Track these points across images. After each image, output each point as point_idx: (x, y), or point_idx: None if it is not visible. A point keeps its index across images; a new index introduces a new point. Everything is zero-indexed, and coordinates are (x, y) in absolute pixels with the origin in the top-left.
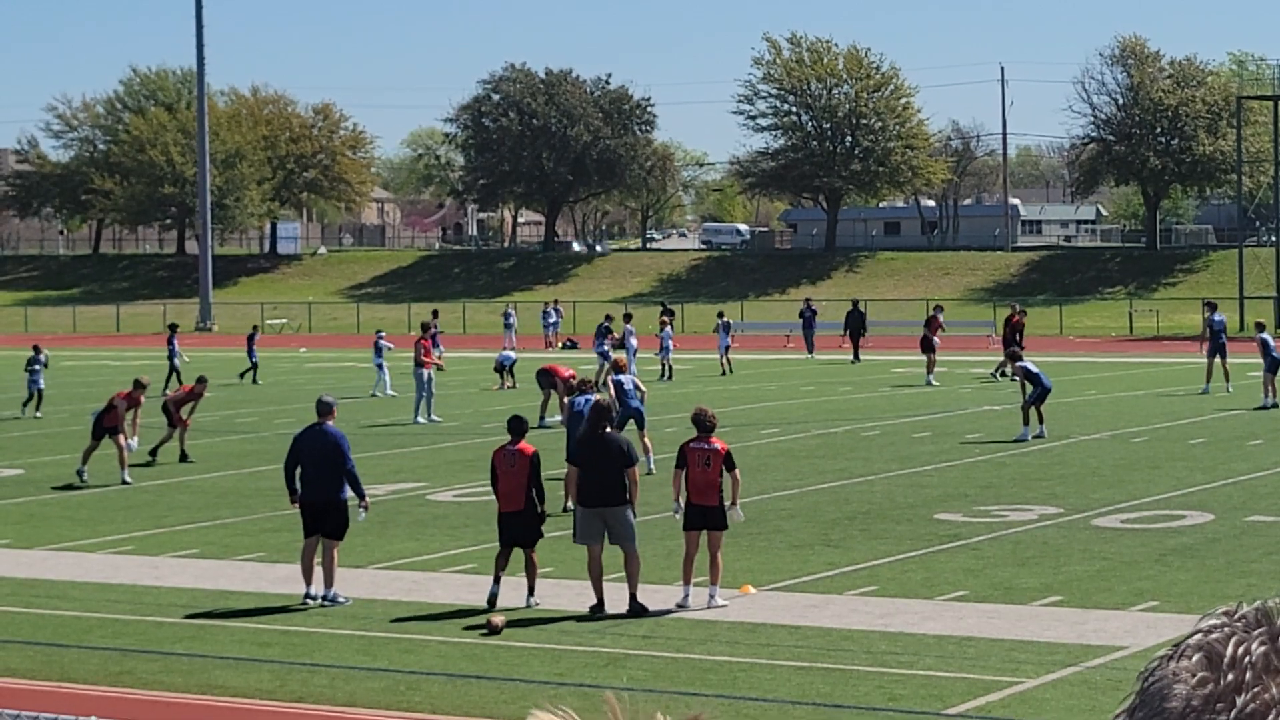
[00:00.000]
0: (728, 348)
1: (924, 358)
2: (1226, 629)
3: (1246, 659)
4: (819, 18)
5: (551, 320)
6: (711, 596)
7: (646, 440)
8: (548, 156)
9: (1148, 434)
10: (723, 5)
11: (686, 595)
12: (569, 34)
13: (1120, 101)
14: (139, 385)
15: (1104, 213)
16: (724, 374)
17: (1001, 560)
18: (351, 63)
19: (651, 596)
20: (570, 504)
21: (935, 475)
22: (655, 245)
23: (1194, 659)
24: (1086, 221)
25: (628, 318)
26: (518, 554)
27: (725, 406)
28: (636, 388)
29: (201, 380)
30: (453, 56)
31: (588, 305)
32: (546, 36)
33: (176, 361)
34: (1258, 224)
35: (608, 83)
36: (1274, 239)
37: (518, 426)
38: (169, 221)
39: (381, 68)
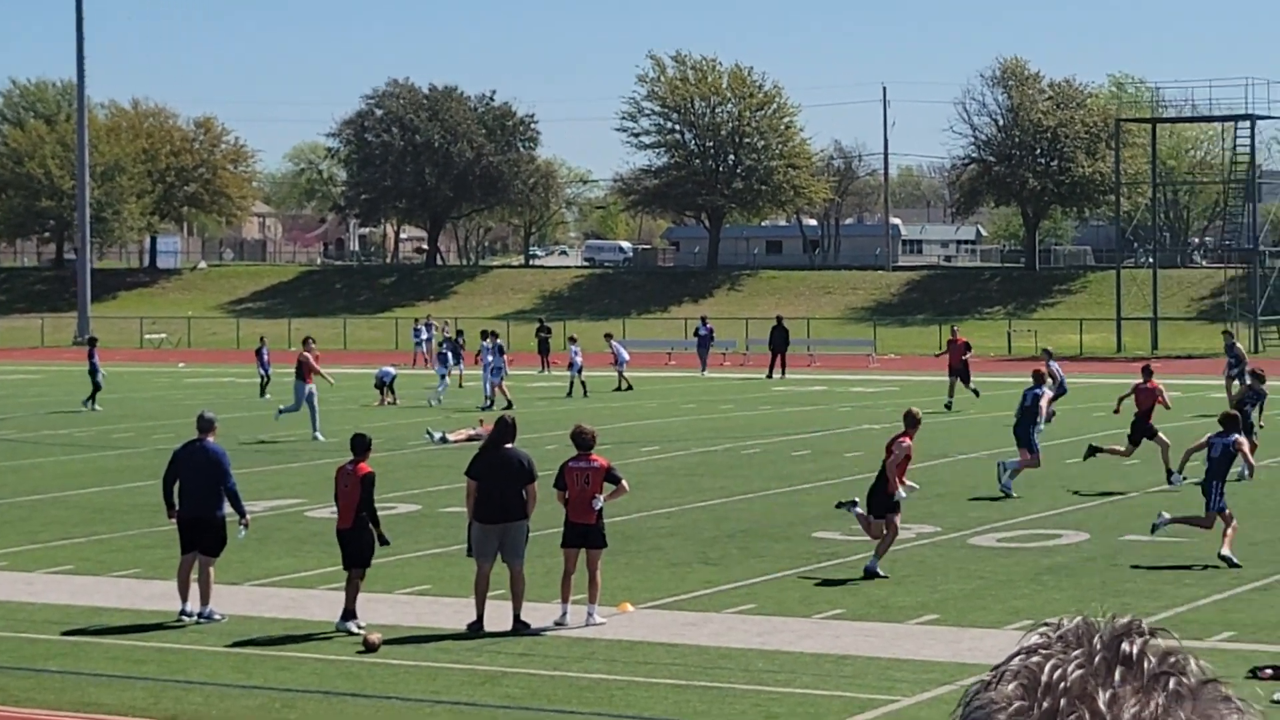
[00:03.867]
0: (625, 363)
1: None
2: (1044, 651)
3: (1062, 684)
4: (703, 36)
5: (424, 337)
6: (590, 614)
7: None
8: (430, 172)
9: None
10: (608, 23)
11: (565, 613)
12: (453, 51)
13: (1000, 122)
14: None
15: (984, 233)
16: (628, 388)
17: (879, 579)
18: (234, 76)
19: (530, 614)
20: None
21: (814, 493)
22: (538, 262)
23: (1011, 686)
24: (967, 241)
25: (485, 335)
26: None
27: (606, 424)
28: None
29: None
30: (336, 71)
31: (470, 321)
32: (431, 53)
33: (99, 378)
34: (1135, 245)
35: (491, 99)
36: (1151, 260)
37: (359, 444)
38: (47, 234)
39: (264, 82)
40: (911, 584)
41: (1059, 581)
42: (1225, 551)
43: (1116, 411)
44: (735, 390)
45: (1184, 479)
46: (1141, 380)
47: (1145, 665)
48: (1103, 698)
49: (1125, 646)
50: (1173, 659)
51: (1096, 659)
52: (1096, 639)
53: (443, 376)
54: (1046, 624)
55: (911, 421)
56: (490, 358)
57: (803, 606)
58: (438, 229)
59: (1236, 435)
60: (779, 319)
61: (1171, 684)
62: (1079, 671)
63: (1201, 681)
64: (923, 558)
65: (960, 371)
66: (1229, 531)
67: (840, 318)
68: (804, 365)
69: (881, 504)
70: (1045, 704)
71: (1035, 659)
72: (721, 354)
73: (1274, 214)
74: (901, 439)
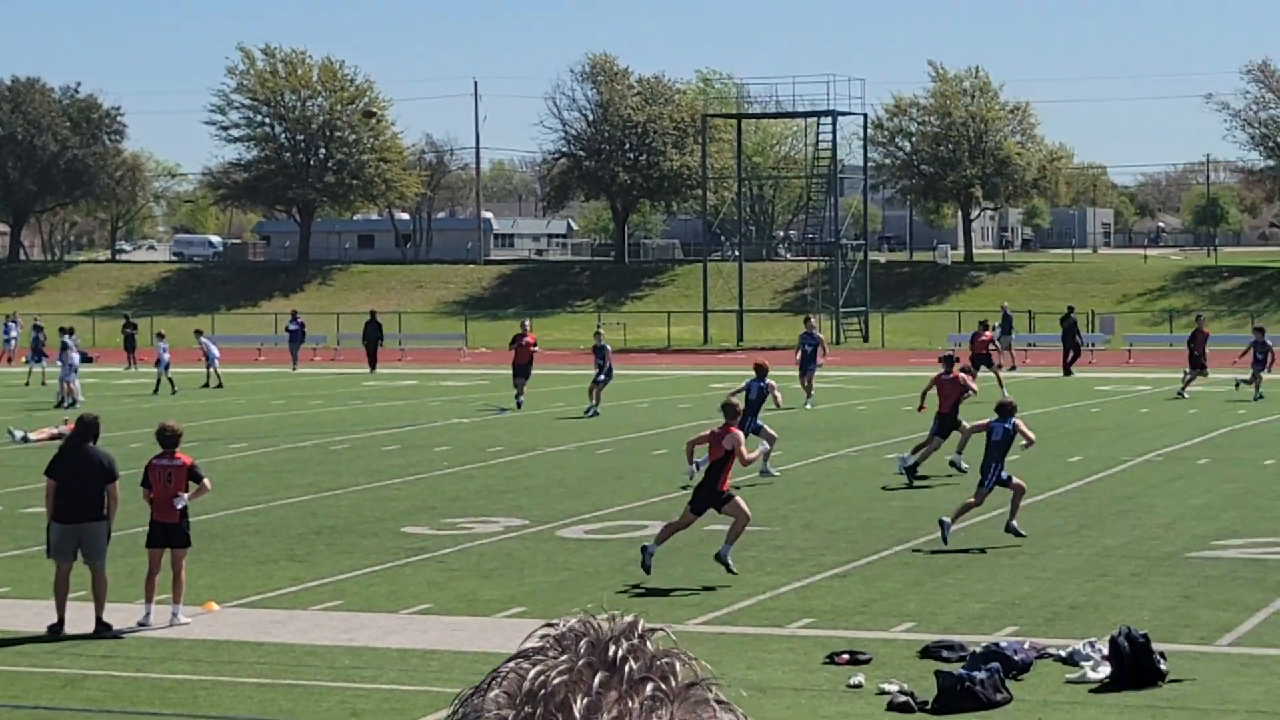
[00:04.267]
0: (216, 359)
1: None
2: (536, 656)
3: (542, 692)
4: (294, 29)
5: (12, 334)
6: (174, 614)
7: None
8: (13, 166)
9: (613, 445)
10: (196, 14)
11: (148, 613)
12: (36, 42)
13: (591, 118)
14: None
15: (575, 227)
16: (219, 385)
17: (466, 573)
18: None
19: (113, 615)
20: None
21: (403, 488)
22: (125, 257)
23: (496, 693)
24: (558, 235)
25: (69, 331)
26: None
27: (195, 421)
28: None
29: None
30: None
31: (54, 318)
32: (12, 45)
33: None
34: (722, 238)
35: (76, 91)
36: (737, 254)
37: None
38: None
39: None
40: (500, 577)
41: (643, 573)
42: (1014, 523)
43: (921, 409)
44: (326, 385)
45: (966, 467)
46: (944, 371)
47: (628, 670)
48: (579, 705)
49: (613, 650)
50: (660, 662)
51: (580, 664)
52: (585, 643)
53: (63, 380)
54: (549, 625)
55: (732, 414)
56: (74, 356)
57: (390, 602)
58: (21, 223)
59: (1015, 419)
60: (372, 313)
61: (650, 688)
62: (561, 678)
63: (686, 685)
64: (511, 551)
65: (526, 369)
66: (1018, 503)
67: (432, 312)
68: (395, 359)
69: (711, 499)
70: (525, 711)
71: (525, 664)
72: (313, 349)
73: (855, 208)
74: (729, 429)
